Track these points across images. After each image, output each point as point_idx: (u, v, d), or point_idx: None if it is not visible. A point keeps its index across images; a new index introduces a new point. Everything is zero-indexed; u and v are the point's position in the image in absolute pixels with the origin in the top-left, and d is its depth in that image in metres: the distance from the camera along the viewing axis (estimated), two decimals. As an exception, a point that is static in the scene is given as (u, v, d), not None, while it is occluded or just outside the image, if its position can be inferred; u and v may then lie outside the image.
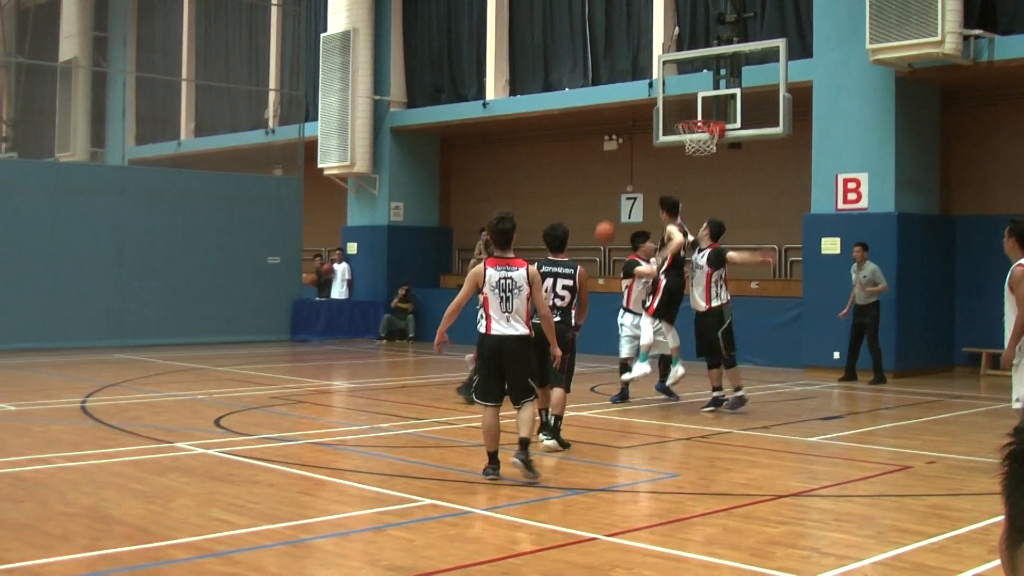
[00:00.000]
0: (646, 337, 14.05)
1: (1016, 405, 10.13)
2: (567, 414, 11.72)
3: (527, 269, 9.51)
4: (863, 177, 18.79)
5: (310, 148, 27.10)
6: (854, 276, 17.56)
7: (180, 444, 11.15)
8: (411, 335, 25.89)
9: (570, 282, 11.23)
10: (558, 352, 10.05)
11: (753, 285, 20.76)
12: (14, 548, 7.07)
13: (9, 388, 16.09)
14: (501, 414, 9.49)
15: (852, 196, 18.88)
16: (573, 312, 11.36)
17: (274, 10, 31.06)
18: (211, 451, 10.81)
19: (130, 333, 23.47)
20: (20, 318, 22.21)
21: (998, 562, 7.09)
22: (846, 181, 18.96)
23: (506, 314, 9.37)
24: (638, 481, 9.77)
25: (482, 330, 9.47)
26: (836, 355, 18.67)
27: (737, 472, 10.10)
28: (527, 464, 9.33)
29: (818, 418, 13.70)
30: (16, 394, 15.30)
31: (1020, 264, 9.87)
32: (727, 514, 8.36)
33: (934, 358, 18.68)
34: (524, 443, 9.41)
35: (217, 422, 12.81)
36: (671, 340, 14.24)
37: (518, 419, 9.50)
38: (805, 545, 7.50)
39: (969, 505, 8.93)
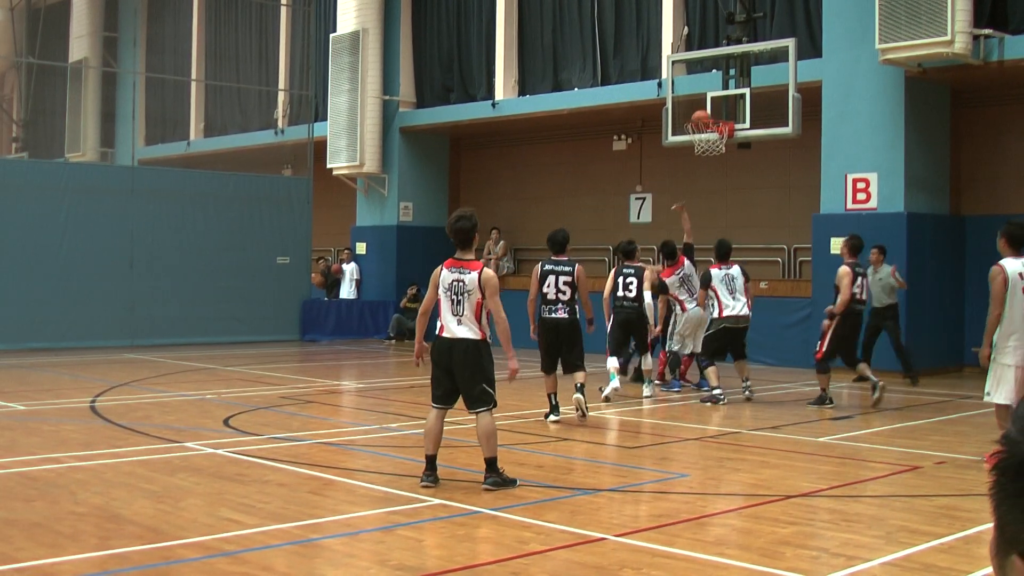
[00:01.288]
0: (609, 365, 15.22)
1: (987, 399, 10.32)
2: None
3: (480, 273, 9.08)
4: (873, 177, 18.76)
5: (319, 148, 27.12)
6: (870, 278, 17.41)
7: (190, 444, 11.17)
8: (420, 335, 25.83)
9: (569, 278, 12.75)
10: (514, 367, 9.35)
11: (763, 285, 20.72)
12: (25, 547, 7.09)
13: (19, 388, 16.13)
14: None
15: (862, 196, 18.86)
16: (577, 306, 12.91)
17: (283, 10, 31.10)
18: (220, 451, 10.82)
19: (140, 333, 23.52)
20: (30, 318, 22.26)
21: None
22: (856, 181, 18.94)
23: (456, 317, 9.05)
24: (647, 481, 9.76)
25: (436, 331, 9.20)
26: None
27: (746, 472, 10.09)
28: (499, 484, 8.95)
29: (828, 418, 13.69)
30: (26, 394, 15.34)
31: (997, 264, 10.25)
32: (736, 514, 8.36)
33: (944, 358, 18.64)
34: (490, 464, 9.03)
35: (226, 422, 12.83)
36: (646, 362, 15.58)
37: (477, 433, 9.11)
38: (814, 545, 7.50)
39: (979, 506, 8.90)
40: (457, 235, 9.28)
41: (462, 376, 9.08)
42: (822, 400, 14.55)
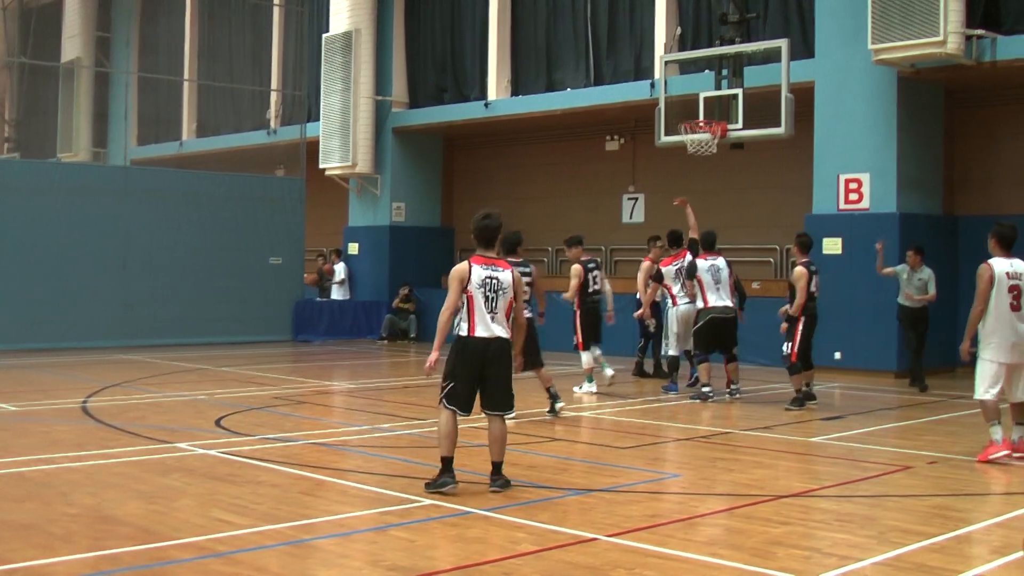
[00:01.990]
0: (586, 362, 15.80)
1: (977, 397, 10.60)
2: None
3: (513, 272, 9.09)
4: (865, 177, 18.78)
5: (312, 148, 27.11)
6: (904, 276, 17.07)
7: (182, 444, 11.16)
8: (413, 335, 25.92)
9: (530, 278, 13.02)
10: (520, 361, 10.30)
11: (755, 285, 20.73)
12: (17, 548, 7.08)
13: (12, 388, 16.09)
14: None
15: (854, 196, 18.88)
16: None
17: (276, 10, 31.06)
18: (213, 451, 10.81)
19: (133, 333, 23.47)
20: (23, 319, 22.20)
21: (1000, 562, 7.06)
22: (848, 181, 18.96)
23: (491, 314, 8.91)
24: (640, 481, 9.76)
25: (463, 332, 8.90)
26: (838, 355, 18.67)
27: (739, 472, 10.10)
28: (507, 486, 8.95)
29: (820, 418, 13.70)
30: (19, 394, 15.31)
31: (985, 262, 10.59)
32: (729, 514, 8.37)
33: (937, 358, 18.62)
34: (498, 468, 9.03)
35: (219, 422, 12.82)
36: (590, 357, 15.89)
37: (491, 437, 9.03)
38: (807, 545, 7.50)
39: (971, 505, 8.94)
40: (486, 233, 9.12)
41: (495, 375, 8.98)
42: (800, 402, 14.52)
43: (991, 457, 10.49)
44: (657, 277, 16.25)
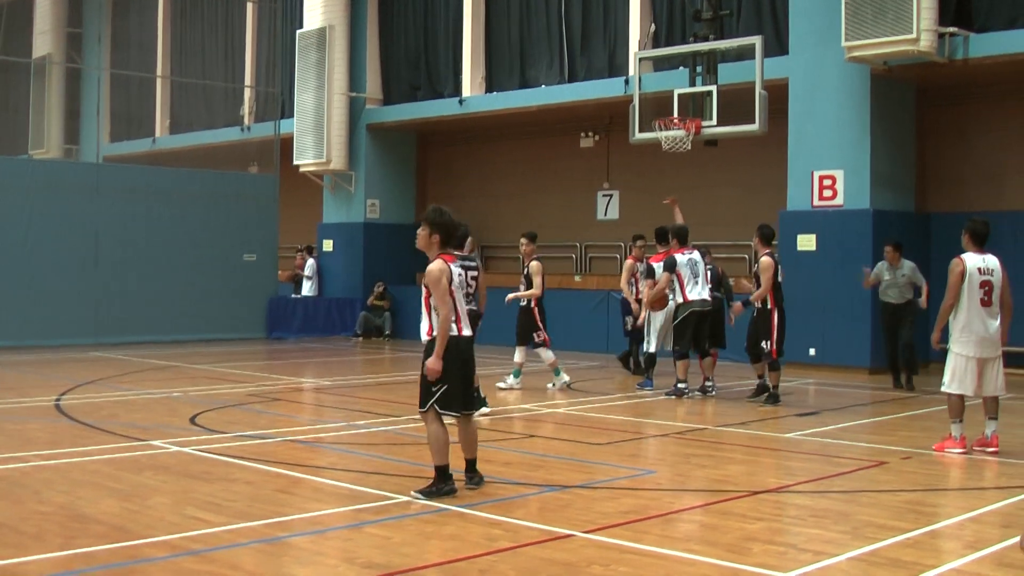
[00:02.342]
0: (549, 359, 16.00)
1: (944, 389, 10.85)
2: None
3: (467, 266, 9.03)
4: (839, 174, 18.86)
5: (286, 145, 27.02)
6: (887, 275, 16.73)
7: (156, 442, 11.10)
8: (387, 332, 25.87)
9: (476, 273, 12.47)
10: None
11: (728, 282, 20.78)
12: (-12, 547, 7.03)
13: (-17, 386, 15.99)
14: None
15: (828, 193, 18.96)
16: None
17: (250, 6, 30.94)
18: (187, 449, 10.76)
19: (105, 331, 23.34)
20: (-6, 316, 22.07)
21: (973, 557, 7.10)
22: (822, 178, 19.03)
23: (467, 313, 8.89)
24: (615, 478, 9.76)
25: (453, 332, 8.60)
26: (812, 352, 18.74)
27: (714, 468, 10.13)
28: (480, 482, 8.91)
29: (794, 414, 13.75)
30: (-10, 392, 15.21)
31: (958, 256, 10.78)
32: (704, 510, 8.39)
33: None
34: (472, 464, 8.96)
35: (193, 420, 12.76)
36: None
37: (467, 436, 8.91)
38: (782, 541, 7.52)
39: (944, 500, 8.99)
40: (450, 229, 8.83)
41: (472, 374, 8.93)
42: (775, 398, 14.52)
43: (946, 451, 10.78)
44: (649, 273, 16.10)
